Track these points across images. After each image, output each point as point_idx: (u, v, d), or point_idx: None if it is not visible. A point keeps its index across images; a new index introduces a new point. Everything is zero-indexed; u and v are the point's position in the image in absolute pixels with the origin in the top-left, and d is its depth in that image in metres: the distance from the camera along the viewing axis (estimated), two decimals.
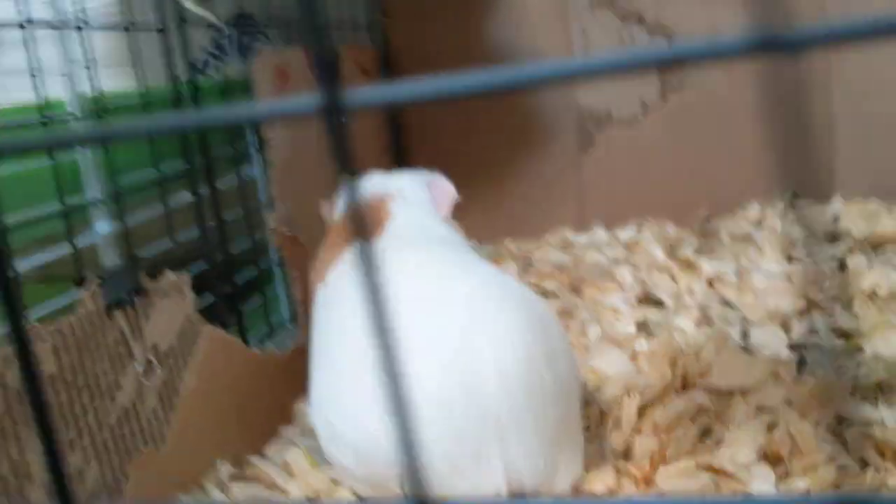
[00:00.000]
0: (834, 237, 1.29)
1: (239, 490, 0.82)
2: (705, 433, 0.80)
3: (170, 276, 0.79)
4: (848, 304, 1.07)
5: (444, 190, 0.96)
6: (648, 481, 0.73)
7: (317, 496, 0.82)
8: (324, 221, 1.05)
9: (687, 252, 1.27)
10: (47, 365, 0.63)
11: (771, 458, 0.72)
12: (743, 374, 0.84)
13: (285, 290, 1.11)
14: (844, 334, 0.99)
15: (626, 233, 1.41)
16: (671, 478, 0.70)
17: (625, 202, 1.43)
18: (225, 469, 0.83)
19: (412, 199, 0.94)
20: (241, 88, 1.08)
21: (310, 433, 0.94)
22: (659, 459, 0.73)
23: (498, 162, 1.45)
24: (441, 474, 0.70)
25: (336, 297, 0.83)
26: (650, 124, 1.40)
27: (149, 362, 0.75)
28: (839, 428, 0.75)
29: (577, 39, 1.39)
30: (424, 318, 0.73)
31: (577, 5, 1.38)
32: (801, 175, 1.34)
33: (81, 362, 0.67)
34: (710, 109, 1.36)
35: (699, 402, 0.83)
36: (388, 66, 1.45)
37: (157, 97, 0.92)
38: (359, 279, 0.77)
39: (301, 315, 1.05)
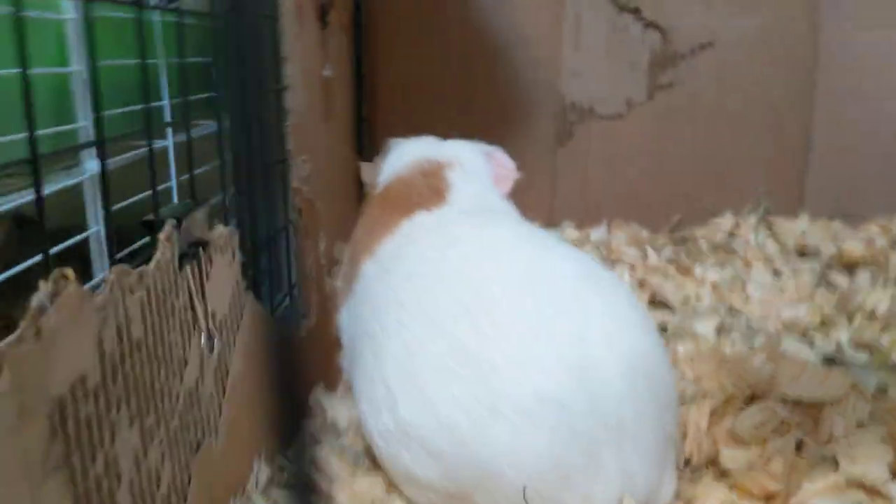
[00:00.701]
0: (803, 254, 1.31)
1: (283, 498, 0.67)
2: (798, 448, 0.75)
3: (220, 229, 0.64)
4: (850, 320, 1.07)
5: (506, 164, 0.86)
6: (776, 497, 0.66)
7: None
8: (336, 186, 0.91)
9: (677, 257, 1.24)
10: (136, 326, 0.47)
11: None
12: (823, 385, 0.80)
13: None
14: (867, 348, 0.98)
15: (597, 232, 1.36)
16: (816, 496, 0.64)
17: (596, 200, 1.38)
18: (264, 472, 0.68)
19: (472, 170, 0.83)
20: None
21: (332, 429, 0.81)
22: (793, 475, 0.67)
23: None
24: (549, 482, 0.60)
25: (398, 271, 0.71)
26: (631, 123, 1.35)
27: (209, 334, 0.59)
28: None
29: (569, 24, 1.32)
30: (532, 304, 0.63)
31: None
32: (775, 190, 1.35)
33: (161, 326, 0.51)
34: (695, 114, 1.34)
35: (780, 414, 0.78)
36: (361, 30, 1.32)
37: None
38: (437, 253, 0.65)
39: (308, 293, 0.90)
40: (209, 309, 0.59)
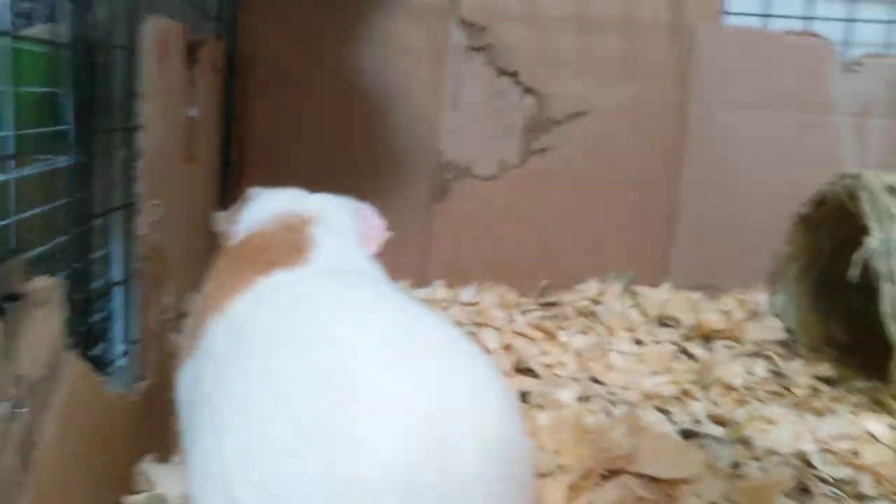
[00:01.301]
0: (664, 323, 1.33)
1: None
2: None
3: (41, 281, 0.57)
4: (707, 392, 1.09)
5: (375, 223, 0.82)
6: None
7: None
8: (193, 235, 0.85)
9: (543, 321, 1.23)
10: None
11: None
12: (680, 462, 0.79)
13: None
14: (722, 422, 0.99)
15: (466, 293, 1.34)
16: None
17: (468, 260, 1.37)
18: None
19: (338, 227, 0.78)
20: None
21: None
22: None
23: None
24: None
25: (249, 334, 0.66)
26: (504, 185, 1.35)
27: (15, 401, 0.52)
28: None
29: (449, 83, 1.31)
30: (388, 377, 0.59)
31: (454, 48, 1.31)
32: (640, 259, 1.38)
33: None
34: (566, 180, 1.35)
35: (636, 491, 0.76)
36: (235, 73, 1.26)
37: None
38: (292, 316, 0.61)
39: (147, 350, 0.83)
40: (17, 372, 0.52)
